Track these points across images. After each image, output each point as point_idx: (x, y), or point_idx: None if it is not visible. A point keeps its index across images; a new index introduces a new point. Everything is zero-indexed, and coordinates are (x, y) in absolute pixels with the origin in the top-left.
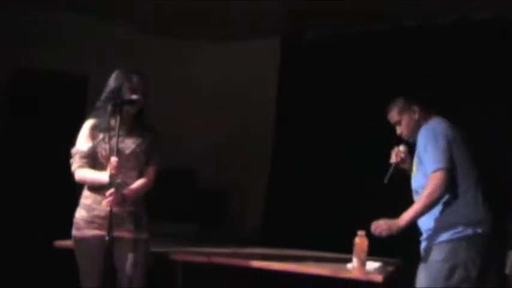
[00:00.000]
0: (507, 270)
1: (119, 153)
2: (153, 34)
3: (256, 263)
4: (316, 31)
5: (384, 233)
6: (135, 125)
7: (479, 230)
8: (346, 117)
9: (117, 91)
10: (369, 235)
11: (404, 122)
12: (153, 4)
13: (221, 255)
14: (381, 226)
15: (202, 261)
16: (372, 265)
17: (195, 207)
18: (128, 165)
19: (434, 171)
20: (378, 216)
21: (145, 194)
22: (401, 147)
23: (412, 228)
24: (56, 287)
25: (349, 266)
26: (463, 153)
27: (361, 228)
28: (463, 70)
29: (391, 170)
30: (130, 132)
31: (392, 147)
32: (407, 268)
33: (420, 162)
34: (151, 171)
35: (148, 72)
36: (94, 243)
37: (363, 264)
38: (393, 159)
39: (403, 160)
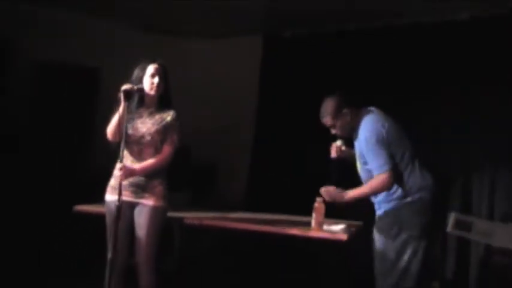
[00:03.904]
0: (448, 229)
1: (137, 132)
2: (153, 33)
3: (240, 225)
4: (295, 30)
5: (327, 199)
6: (158, 107)
7: (417, 196)
8: (320, 104)
9: (138, 80)
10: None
11: (338, 125)
12: (152, 6)
13: (211, 218)
14: (329, 192)
15: (196, 224)
16: (338, 227)
17: (189, 179)
18: (145, 142)
19: (380, 173)
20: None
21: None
22: (339, 142)
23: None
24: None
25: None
26: (397, 140)
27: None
28: (425, 67)
29: (333, 166)
30: (152, 114)
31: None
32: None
33: (364, 161)
34: (165, 149)
35: None
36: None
37: (320, 225)
38: (333, 154)
39: (343, 152)
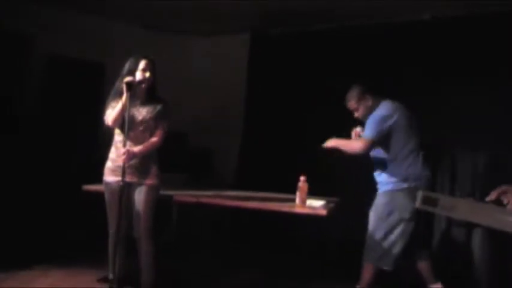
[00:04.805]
0: (417, 205)
1: (133, 119)
2: (155, 30)
3: (232, 202)
4: (279, 28)
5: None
6: (147, 98)
7: (413, 184)
8: (300, 95)
9: (130, 73)
10: (311, 180)
11: (361, 109)
12: (152, 6)
13: (206, 196)
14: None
15: (192, 201)
16: (318, 203)
17: (187, 161)
18: (141, 128)
19: (364, 138)
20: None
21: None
22: (358, 128)
23: (351, 177)
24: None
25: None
26: (403, 130)
27: (312, 173)
28: (402, 63)
29: None
30: (143, 104)
31: (340, 121)
32: (344, 205)
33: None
34: (159, 133)
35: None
36: (115, 187)
37: (304, 202)
38: (353, 137)
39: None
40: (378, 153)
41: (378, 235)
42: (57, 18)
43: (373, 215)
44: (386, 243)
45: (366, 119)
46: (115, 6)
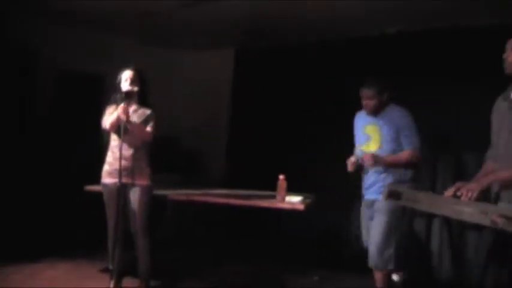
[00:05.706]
0: (383, 198)
1: (127, 125)
2: (150, 46)
3: (219, 200)
4: (261, 44)
5: (370, 162)
6: (138, 104)
7: (418, 184)
8: (283, 103)
9: (118, 84)
10: (294, 179)
11: (376, 101)
12: (149, 24)
13: (196, 195)
14: (369, 157)
15: (182, 199)
16: (296, 199)
17: (179, 163)
18: (134, 132)
19: (415, 149)
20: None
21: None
22: (353, 158)
23: (324, 174)
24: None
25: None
26: None
27: (295, 172)
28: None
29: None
30: (135, 110)
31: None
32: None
33: (395, 136)
34: (149, 130)
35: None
36: (113, 188)
37: (283, 198)
38: (350, 169)
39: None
40: (382, 152)
41: (393, 238)
42: (63, 35)
43: (388, 211)
44: (399, 245)
45: (371, 113)
46: (115, 25)
